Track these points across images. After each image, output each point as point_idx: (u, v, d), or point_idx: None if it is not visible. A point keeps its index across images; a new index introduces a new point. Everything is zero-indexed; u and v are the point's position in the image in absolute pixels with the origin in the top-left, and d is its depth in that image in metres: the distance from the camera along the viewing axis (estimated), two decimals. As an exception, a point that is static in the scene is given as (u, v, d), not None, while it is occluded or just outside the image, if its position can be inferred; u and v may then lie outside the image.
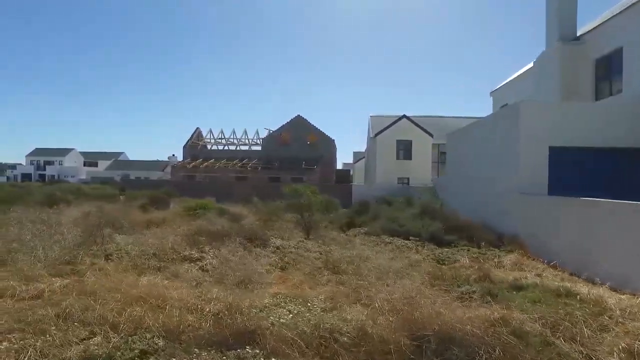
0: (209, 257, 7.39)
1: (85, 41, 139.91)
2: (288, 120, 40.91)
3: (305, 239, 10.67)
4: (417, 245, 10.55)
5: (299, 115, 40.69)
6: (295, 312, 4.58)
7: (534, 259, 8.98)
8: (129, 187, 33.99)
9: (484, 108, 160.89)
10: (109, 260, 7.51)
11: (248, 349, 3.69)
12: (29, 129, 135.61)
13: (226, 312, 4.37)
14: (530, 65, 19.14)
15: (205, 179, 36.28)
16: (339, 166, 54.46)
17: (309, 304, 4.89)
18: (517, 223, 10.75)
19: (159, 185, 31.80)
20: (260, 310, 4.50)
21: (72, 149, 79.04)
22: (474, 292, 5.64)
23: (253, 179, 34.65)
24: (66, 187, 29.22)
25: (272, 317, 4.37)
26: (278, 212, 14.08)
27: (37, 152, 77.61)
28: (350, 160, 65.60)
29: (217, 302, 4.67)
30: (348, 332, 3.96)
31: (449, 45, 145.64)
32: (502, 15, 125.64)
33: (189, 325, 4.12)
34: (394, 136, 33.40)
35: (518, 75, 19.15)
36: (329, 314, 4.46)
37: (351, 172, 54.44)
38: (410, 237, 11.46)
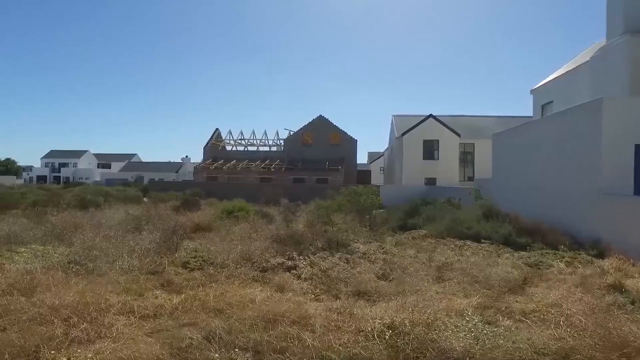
0: (302, 264, 6.85)
1: (99, 43, 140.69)
2: (309, 121, 40.42)
3: (373, 241, 10.11)
4: (495, 249, 9.96)
5: (320, 115, 40.22)
6: (471, 329, 4.00)
7: (633, 265, 8.36)
8: (152, 189, 33.68)
9: (502, 106, 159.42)
10: (188, 268, 7.03)
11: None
12: (44, 130, 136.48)
13: (389, 330, 3.82)
14: (576, 61, 18.47)
15: (229, 180, 35.86)
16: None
17: (467, 318, 4.33)
18: (598, 226, 10.10)
19: (182, 187, 31.42)
20: (427, 328, 3.94)
21: (86, 150, 79.18)
22: (628, 302, 5.07)
23: (277, 180, 34.17)
24: (92, 189, 28.94)
25: (463, 336, 3.78)
26: (330, 214, 13.54)
27: (52, 154, 77.79)
28: (365, 161, 64.95)
29: (369, 319, 4.13)
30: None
31: (466, 45, 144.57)
32: (520, 14, 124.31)
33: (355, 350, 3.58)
34: (421, 136, 32.75)
35: (565, 72, 18.45)
36: (511, 332, 3.90)
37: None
38: (482, 240, 10.88)
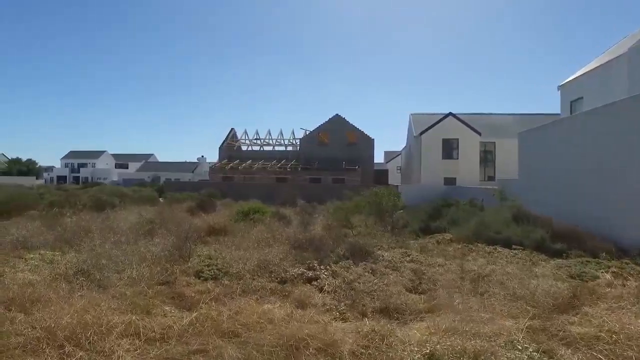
0: (324, 275, 6.30)
1: (117, 47, 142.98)
2: (326, 120, 39.85)
3: (397, 247, 9.49)
4: (528, 256, 9.24)
5: (337, 114, 39.60)
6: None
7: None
8: (168, 189, 33.62)
9: (519, 104, 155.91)
10: (202, 278, 6.57)
11: None
12: (64, 131, 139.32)
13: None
14: (610, 52, 17.46)
15: (244, 180, 35.58)
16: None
17: (519, 347, 3.71)
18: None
19: (198, 187, 31.24)
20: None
21: (104, 151, 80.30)
22: None
23: (293, 181, 33.72)
24: (109, 189, 28.98)
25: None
26: (349, 216, 12.96)
27: (72, 154, 79.19)
28: (382, 160, 64.04)
29: (404, 346, 3.56)
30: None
31: (482, 42, 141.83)
32: (538, 9, 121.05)
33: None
34: (440, 135, 31.86)
35: (598, 66, 17.43)
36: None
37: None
38: (513, 246, 10.15)
